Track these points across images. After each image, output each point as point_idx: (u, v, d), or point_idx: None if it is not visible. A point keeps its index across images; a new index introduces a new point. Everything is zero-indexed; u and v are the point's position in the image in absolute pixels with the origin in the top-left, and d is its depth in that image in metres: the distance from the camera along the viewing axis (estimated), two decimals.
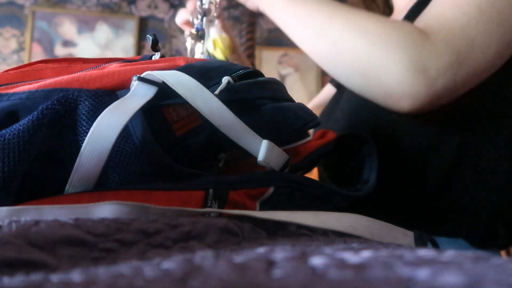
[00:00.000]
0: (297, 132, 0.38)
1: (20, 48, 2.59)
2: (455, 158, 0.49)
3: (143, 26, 2.72)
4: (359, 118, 0.56)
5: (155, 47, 0.40)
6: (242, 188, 0.33)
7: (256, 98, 0.36)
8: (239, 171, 0.37)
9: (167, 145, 0.32)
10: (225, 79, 0.35)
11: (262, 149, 0.33)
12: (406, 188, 0.52)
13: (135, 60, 0.40)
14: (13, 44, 2.59)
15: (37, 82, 0.32)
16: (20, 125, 0.28)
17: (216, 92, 0.34)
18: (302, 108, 0.39)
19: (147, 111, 0.31)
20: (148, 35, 0.40)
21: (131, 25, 2.69)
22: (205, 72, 0.36)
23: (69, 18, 2.65)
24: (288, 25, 0.52)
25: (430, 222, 0.52)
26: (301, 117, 0.38)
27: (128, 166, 0.30)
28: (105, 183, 0.30)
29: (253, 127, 0.34)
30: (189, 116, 0.34)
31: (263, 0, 0.56)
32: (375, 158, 0.45)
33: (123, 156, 0.30)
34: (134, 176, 0.31)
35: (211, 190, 0.32)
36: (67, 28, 2.65)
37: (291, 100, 0.40)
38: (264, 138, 0.34)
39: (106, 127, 0.28)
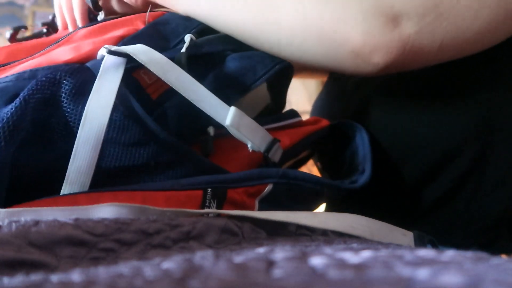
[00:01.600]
0: (269, 74, 0.38)
1: None
2: (468, 168, 0.48)
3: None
4: (376, 123, 0.53)
5: (97, 6, 0.42)
6: (240, 186, 0.34)
7: (221, 51, 0.38)
8: (230, 150, 0.37)
9: (147, 110, 0.33)
10: (187, 37, 0.37)
11: (230, 114, 0.33)
12: (413, 193, 0.51)
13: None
14: None
15: (4, 70, 0.33)
16: (4, 112, 0.28)
17: (183, 50, 0.35)
18: (267, 54, 0.39)
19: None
20: None
21: None
22: (166, 34, 0.38)
23: None
24: (198, 2, 0.40)
25: (427, 229, 0.52)
26: (268, 59, 0.38)
27: (118, 137, 0.31)
28: (100, 160, 0.31)
29: (223, 78, 0.35)
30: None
31: None
32: (368, 147, 0.44)
33: (112, 126, 0.30)
34: (125, 148, 0.31)
35: (209, 189, 0.32)
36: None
37: (256, 50, 0.40)
38: (237, 85, 0.36)
39: (97, 110, 0.29)
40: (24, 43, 0.38)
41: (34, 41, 0.39)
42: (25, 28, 0.46)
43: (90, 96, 0.30)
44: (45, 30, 0.47)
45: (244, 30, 0.39)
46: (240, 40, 0.41)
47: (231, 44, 0.38)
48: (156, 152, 0.32)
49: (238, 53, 0.38)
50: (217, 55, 0.38)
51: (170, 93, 0.35)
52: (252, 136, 0.35)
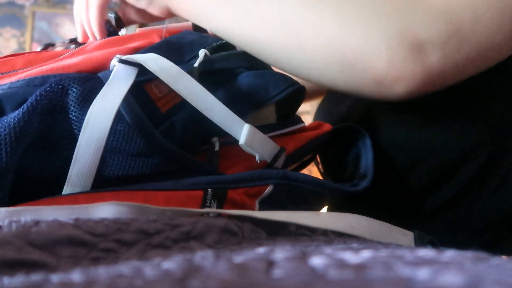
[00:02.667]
0: (281, 96, 0.38)
1: (20, 49, 2.59)
2: (475, 173, 0.48)
3: (143, 26, 2.72)
4: (381, 130, 0.53)
5: (119, 24, 0.42)
6: (240, 187, 0.34)
7: (234, 67, 0.37)
8: (233, 157, 0.37)
9: (154, 122, 0.33)
10: (201, 52, 0.36)
11: (244, 133, 0.33)
12: (417, 198, 0.51)
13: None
14: (13, 45, 2.59)
15: (15, 74, 0.33)
16: (11, 117, 0.28)
17: (196, 65, 0.35)
18: (281, 74, 0.40)
19: (130, 89, 0.31)
20: (109, 14, 0.42)
21: (131, 25, 2.68)
22: (180, 48, 0.37)
23: (69, 18, 2.65)
24: (220, 20, 0.40)
25: (430, 229, 0.52)
26: (281, 80, 0.38)
27: (123, 147, 0.30)
28: (104, 169, 0.31)
29: (234, 95, 0.35)
30: (172, 91, 0.35)
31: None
32: (371, 152, 0.45)
33: (117, 136, 0.30)
34: (129, 158, 0.31)
35: (209, 190, 0.32)
36: (67, 28, 2.65)
37: (270, 69, 0.40)
38: (247, 104, 0.35)
39: (100, 114, 0.29)
40: (43, 53, 0.38)
41: (53, 52, 0.39)
42: (53, 45, 0.46)
43: (95, 100, 0.30)
44: (73, 46, 0.47)
45: (265, 50, 0.39)
46: (260, 59, 0.40)
47: (245, 61, 0.38)
48: (160, 163, 0.32)
49: (251, 71, 0.38)
50: (230, 71, 0.37)
51: (180, 107, 0.35)
52: (262, 151, 0.35)
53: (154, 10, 0.45)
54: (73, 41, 0.48)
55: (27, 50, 2.56)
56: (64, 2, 2.67)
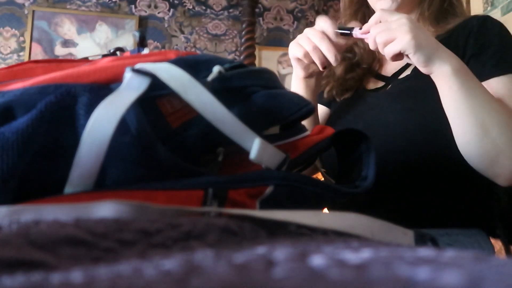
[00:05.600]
0: (293, 118, 0.38)
1: (20, 48, 2.59)
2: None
3: (143, 25, 2.72)
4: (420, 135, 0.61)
5: (142, 43, 0.41)
6: (241, 187, 0.33)
7: (248, 86, 0.37)
8: (236, 166, 0.37)
9: (163, 137, 0.32)
10: (216, 68, 0.36)
11: (254, 147, 0.33)
12: (453, 187, 0.61)
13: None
14: (13, 44, 2.59)
15: (30, 80, 0.33)
16: (19, 123, 0.28)
17: (208, 79, 0.34)
18: (295, 94, 0.40)
19: (141, 102, 0.31)
20: (134, 31, 0.42)
21: (131, 25, 2.68)
22: (196, 65, 0.36)
23: (69, 18, 2.65)
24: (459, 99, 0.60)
25: (458, 216, 0.60)
26: (294, 102, 0.39)
27: (126, 159, 0.30)
28: (103, 179, 0.30)
29: (246, 115, 0.34)
30: (184, 107, 0.34)
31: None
32: (373, 154, 0.45)
33: (121, 148, 0.30)
34: (131, 170, 0.31)
35: (210, 190, 0.32)
36: (67, 28, 2.65)
37: (283, 88, 0.40)
38: (259, 124, 0.35)
39: (103, 120, 0.29)
40: (64, 64, 0.38)
41: (75, 63, 0.38)
42: (122, 50, 0.45)
43: (99, 106, 0.29)
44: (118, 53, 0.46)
45: (460, 128, 0.60)
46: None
47: (261, 80, 0.38)
48: (164, 173, 0.32)
49: (266, 91, 0.38)
50: (244, 90, 0.37)
51: (192, 123, 0.34)
52: (271, 163, 0.35)
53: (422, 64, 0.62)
54: (119, 50, 0.47)
55: (27, 50, 2.56)
56: (63, 2, 2.67)
